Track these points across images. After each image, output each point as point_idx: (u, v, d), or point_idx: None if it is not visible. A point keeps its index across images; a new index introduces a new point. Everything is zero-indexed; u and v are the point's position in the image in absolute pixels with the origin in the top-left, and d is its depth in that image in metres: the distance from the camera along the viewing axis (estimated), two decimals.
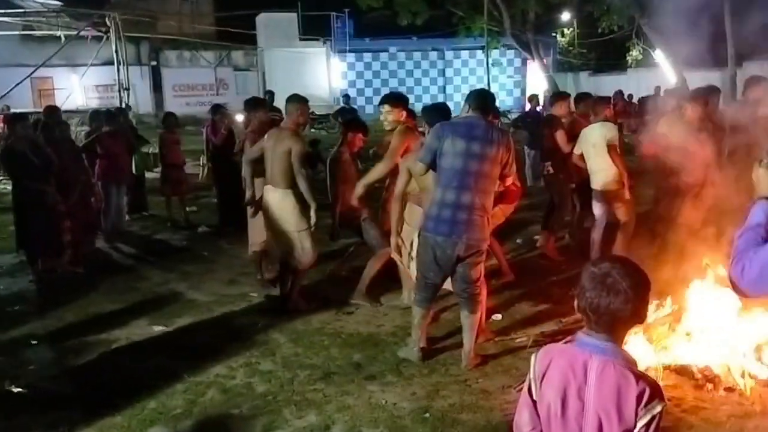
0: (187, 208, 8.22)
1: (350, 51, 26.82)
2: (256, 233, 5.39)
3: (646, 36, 16.23)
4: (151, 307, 5.13)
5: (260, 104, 6.53)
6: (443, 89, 27.40)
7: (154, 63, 27.21)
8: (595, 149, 5.56)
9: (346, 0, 23.89)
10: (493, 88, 25.36)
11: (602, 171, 5.57)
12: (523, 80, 27.42)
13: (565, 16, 26.21)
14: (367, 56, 27.23)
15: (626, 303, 1.67)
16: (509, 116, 21.42)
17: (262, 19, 27.12)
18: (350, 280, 5.26)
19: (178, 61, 27.79)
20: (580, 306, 1.73)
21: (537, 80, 23.88)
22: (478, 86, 26.94)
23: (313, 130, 18.85)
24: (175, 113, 9.23)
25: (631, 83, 18.33)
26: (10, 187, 6.83)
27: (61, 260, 5.88)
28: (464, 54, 27.43)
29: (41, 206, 5.61)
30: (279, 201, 4.77)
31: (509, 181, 4.02)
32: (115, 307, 5.16)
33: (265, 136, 4.88)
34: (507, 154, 3.80)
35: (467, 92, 4.15)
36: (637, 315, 1.71)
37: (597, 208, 5.72)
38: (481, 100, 3.92)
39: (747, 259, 1.74)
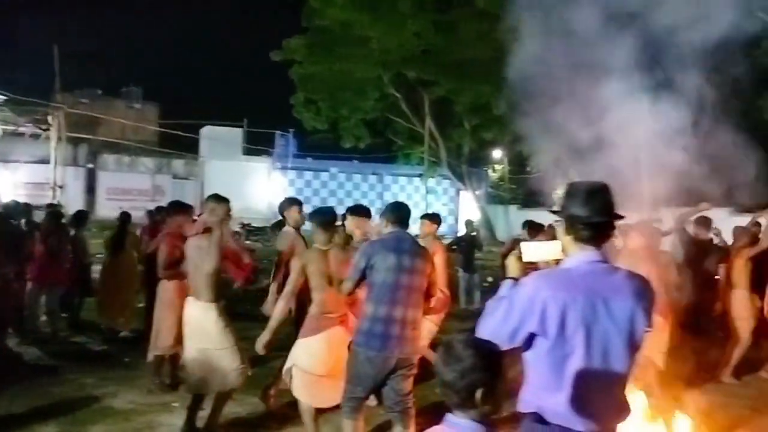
0: None
1: (292, 168, 27.47)
2: (163, 337, 5.17)
3: (571, 177, 17.49)
4: (64, 413, 4.76)
5: (182, 209, 5.93)
6: (380, 212, 28.10)
7: (90, 165, 26.93)
8: None
9: (291, 119, 24.81)
10: None
11: None
12: (456, 209, 28.56)
13: (498, 153, 27.97)
14: (309, 174, 27.91)
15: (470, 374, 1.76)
16: (442, 241, 22.07)
17: (207, 131, 27.65)
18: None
19: (116, 165, 27.61)
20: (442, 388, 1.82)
21: (469, 210, 24.97)
22: (415, 212, 27.83)
23: (248, 241, 18.78)
24: (88, 211, 9.14)
25: (554, 220, 19.37)
26: None
27: None
28: (402, 180, 28.52)
29: None
30: (200, 315, 4.40)
31: (434, 292, 4.06)
32: (22, 410, 4.77)
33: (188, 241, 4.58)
34: (431, 266, 3.91)
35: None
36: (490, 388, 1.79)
37: None
38: (400, 212, 4.01)
39: (483, 320, 2.38)
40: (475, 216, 23.40)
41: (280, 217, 5.66)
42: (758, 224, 7.14)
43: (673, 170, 5.56)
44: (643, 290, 2.37)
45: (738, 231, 7.04)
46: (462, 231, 25.58)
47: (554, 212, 2.58)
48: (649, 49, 5.44)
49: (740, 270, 6.50)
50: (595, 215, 2.37)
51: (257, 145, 27.60)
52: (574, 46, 5.02)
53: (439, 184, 27.89)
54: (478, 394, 1.76)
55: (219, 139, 27.28)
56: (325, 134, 22.32)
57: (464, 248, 10.66)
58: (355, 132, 21.59)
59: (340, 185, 28.21)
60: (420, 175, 23.19)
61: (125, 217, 7.82)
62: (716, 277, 7.18)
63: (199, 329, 4.38)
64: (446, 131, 21.32)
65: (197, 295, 4.41)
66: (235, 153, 27.17)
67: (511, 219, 24.25)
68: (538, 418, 2.32)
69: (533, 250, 2.65)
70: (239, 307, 6.91)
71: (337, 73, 18.86)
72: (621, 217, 2.47)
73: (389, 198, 28.67)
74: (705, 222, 7.32)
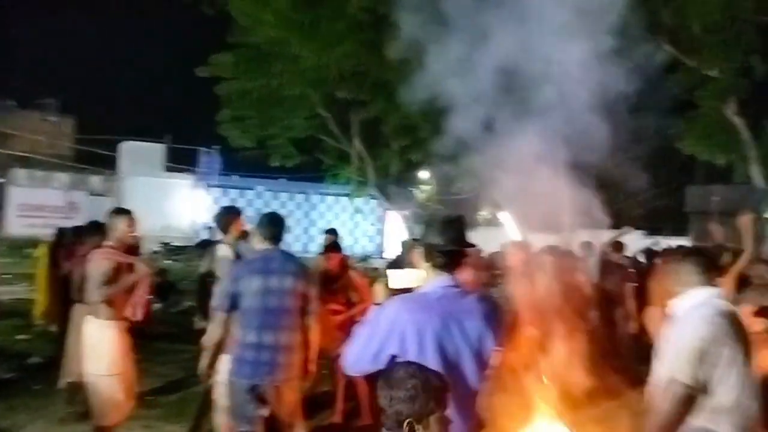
0: (18, 336, 7.42)
1: (217, 186, 26.88)
2: (74, 362, 4.93)
3: (494, 198, 17.97)
4: None
5: (100, 229, 5.47)
6: (307, 231, 27.93)
7: (0, 179, 25.42)
8: None
9: (217, 136, 24.31)
10: (356, 234, 26.30)
11: None
12: (383, 228, 28.72)
13: (425, 174, 28.37)
14: (234, 192, 27.38)
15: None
16: (369, 261, 22.11)
17: (126, 146, 26.70)
18: None
19: (29, 180, 26.18)
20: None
21: (397, 230, 25.18)
22: (341, 231, 27.79)
23: (168, 261, 18.19)
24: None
25: (480, 239, 19.91)
26: None
27: None
28: (329, 199, 28.45)
29: None
30: (97, 334, 4.15)
31: (312, 319, 3.87)
32: None
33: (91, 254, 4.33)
34: (308, 287, 3.77)
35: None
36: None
37: None
38: (273, 228, 3.81)
39: (351, 344, 2.52)
40: (403, 236, 23.59)
41: (207, 237, 5.49)
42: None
43: (588, 196, 5.82)
44: (491, 312, 2.59)
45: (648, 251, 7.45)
46: (389, 251, 25.63)
47: (415, 241, 2.77)
48: (566, 77, 5.68)
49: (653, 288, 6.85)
50: (449, 244, 2.56)
51: (181, 162, 26.90)
52: (493, 73, 5.19)
53: (367, 204, 28.00)
54: (406, 427, 1.75)
55: (139, 155, 26.37)
56: (253, 152, 21.99)
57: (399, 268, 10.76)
58: (283, 150, 21.34)
59: (266, 204, 27.80)
60: (348, 195, 23.22)
61: (61, 233, 7.39)
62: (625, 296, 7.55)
63: (94, 351, 4.12)
64: (375, 151, 21.48)
65: (96, 312, 4.16)
66: (157, 169, 26.34)
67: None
68: None
69: (398, 277, 2.88)
70: (159, 327, 6.67)
71: (265, 91, 18.64)
72: (473, 246, 2.71)
73: (315, 218, 28.57)
74: (617, 245, 7.83)
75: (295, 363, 3.70)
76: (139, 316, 4.27)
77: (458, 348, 2.47)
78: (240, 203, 27.43)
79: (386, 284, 2.80)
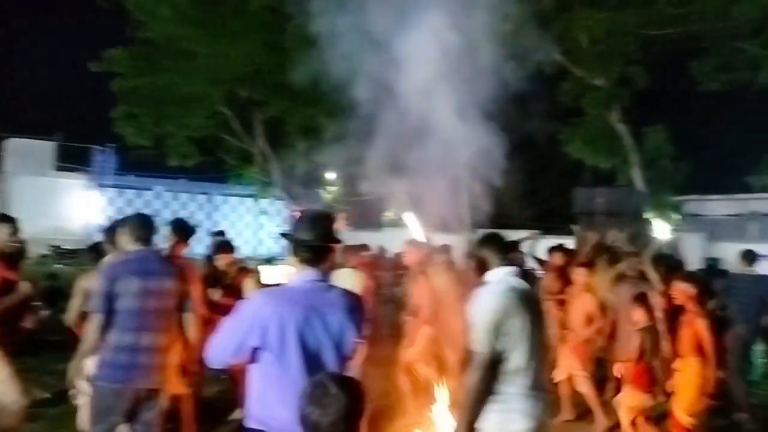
0: None
1: (112, 186, 25.64)
2: None
3: (399, 199, 18.25)
4: None
5: None
6: (209, 233, 27.18)
7: None
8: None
9: (112, 133, 23.21)
10: (261, 236, 25.94)
11: None
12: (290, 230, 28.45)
13: (331, 174, 28.39)
14: (131, 193, 26.22)
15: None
16: (275, 263, 21.88)
17: (13, 144, 24.93)
18: None
19: None
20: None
21: None
22: (246, 233, 27.29)
23: (58, 265, 17.21)
24: None
25: (385, 239, 20.19)
26: None
27: None
28: (233, 200, 27.84)
29: None
30: None
31: (191, 319, 3.88)
32: None
33: None
34: (187, 287, 3.77)
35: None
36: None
37: None
38: (144, 229, 3.72)
39: (214, 337, 2.58)
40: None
41: (101, 239, 5.23)
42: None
43: (484, 197, 6.09)
44: (354, 306, 2.70)
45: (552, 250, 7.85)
46: None
47: (283, 235, 2.86)
48: (466, 86, 5.92)
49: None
50: (315, 240, 2.67)
51: (72, 160, 25.37)
52: (396, 79, 5.33)
53: (273, 205, 27.66)
54: None
55: (27, 153, 24.67)
56: (149, 151, 21.17)
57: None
58: (182, 149, 20.69)
59: (165, 204, 26.82)
60: (252, 196, 22.82)
61: None
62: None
63: None
64: (279, 152, 21.27)
65: None
66: (46, 168, 24.76)
67: (344, 240, 24.78)
68: None
69: (270, 273, 2.99)
70: (48, 335, 6.33)
71: (162, 88, 17.99)
72: (339, 242, 2.85)
73: (218, 219, 27.86)
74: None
75: (171, 365, 3.67)
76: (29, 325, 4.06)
77: (319, 340, 2.55)
78: (137, 204, 26.29)
79: (258, 279, 2.87)
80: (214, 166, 24.05)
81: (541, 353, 3.01)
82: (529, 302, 3.01)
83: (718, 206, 21.43)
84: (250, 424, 2.55)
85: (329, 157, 19.20)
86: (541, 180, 22.57)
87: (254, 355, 2.52)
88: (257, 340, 2.49)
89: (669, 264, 7.41)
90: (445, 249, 6.74)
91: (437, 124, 5.69)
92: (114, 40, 17.99)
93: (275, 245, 27.76)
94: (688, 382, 4.80)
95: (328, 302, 2.63)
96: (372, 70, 5.62)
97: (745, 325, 6.75)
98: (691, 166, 15.02)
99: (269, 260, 22.18)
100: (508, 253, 3.21)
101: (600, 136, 14.60)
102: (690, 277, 5.40)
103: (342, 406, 1.79)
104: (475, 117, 5.69)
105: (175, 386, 3.96)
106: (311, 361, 2.50)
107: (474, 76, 6.15)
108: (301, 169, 22.06)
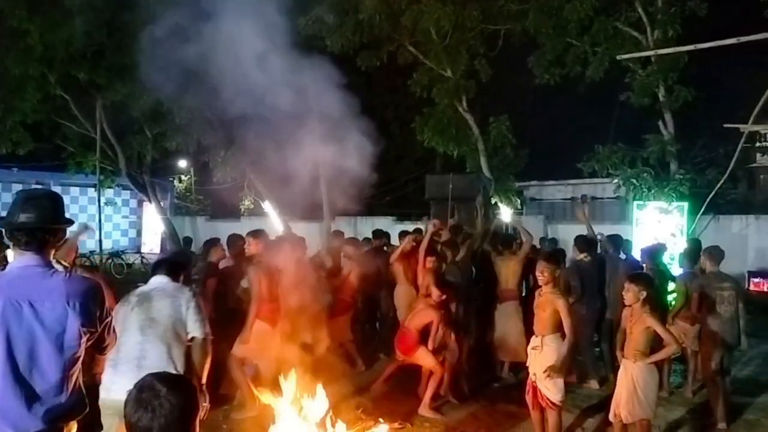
0: None
1: None
2: None
3: (256, 188, 17.91)
4: None
5: None
6: None
7: None
8: None
9: None
10: (107, 228, 24.27)
11: None
12: (139, 221, 26.91)
13: (183, 163, 27.18)
14: None
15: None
16: (123, 257, 20.62)
17: None
18: None
19: None
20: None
21: (154, 222, 23.78)
22: (91, 223, 25.35)
23: None
24: None
25: (245, 229, 19.70)
26: None
27: None
28: (74, 190, 25.76)
29: None
30: None
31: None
32: None
33: None
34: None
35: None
36: None
37: None
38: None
39: None
40: (160, 229, 22.39)
41: None
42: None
43: (342, 185, 6.20)
44: (79, 293, 2.47)
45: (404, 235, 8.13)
46: (146, 245, 24.11)
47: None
48: (320, 73, 5.96)
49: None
50: (31, 222, 2.46)
51: None
52: (245, 63, 5.24)
53: (119, 195, 25.99)
54: None
55: None
56: None
57: None
58: (12, 136, 18.77)
59: None
60: (95, 185, 21.27)
61: None
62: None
63: None
64: (125, 138, 19.96)
65: None
66: None
67: (199, 230, 23.86)
68: None
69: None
70: None
71: None
72: (65, 223, 2.58)
73: None
74: (338, 234, 8.75)
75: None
76: None
77: (32, 331, 2.37)
78: None
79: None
80: (51, 154, 22.10)
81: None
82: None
83: (554, 191, 23.39)
84: None
85: (180, 144, 18.32)
86: (398, 168, 23.21)
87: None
88: None
89: (504, 239, 8.30)
90: (296, 237, 6.85)
91: (293, 114, 5.68)
92: None
93: (123, 238, 26.16)
94: (548, 360, 4.91)
95: (46, 290, 2.42)
96: (219, 54, 5.47)
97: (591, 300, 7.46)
98: (530, 155, 16.20)
99: (116, 254, 20.85)
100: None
101: (449, 125, 15.28)
102: (551, 256, 5.42)
103: (174, 407, 1.66)
104: (332, 106, 5.76)
105: None
106: (21, 353, 2.32)
107: (328, 63, 6.21)
108: (150, 157, 20.90)
